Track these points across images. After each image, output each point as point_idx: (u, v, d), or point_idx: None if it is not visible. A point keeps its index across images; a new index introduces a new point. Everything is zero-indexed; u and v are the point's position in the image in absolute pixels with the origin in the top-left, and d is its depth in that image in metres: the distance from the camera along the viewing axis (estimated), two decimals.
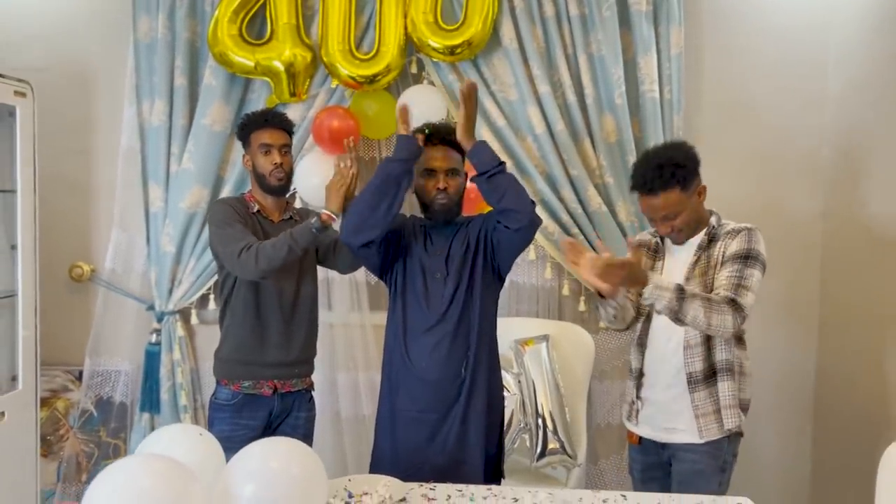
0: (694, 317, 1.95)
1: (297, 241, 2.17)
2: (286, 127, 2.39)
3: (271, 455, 1.53)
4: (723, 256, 2.09)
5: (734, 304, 1.98)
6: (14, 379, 2.75)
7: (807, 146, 3.13)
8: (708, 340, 2.11)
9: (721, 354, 2.12)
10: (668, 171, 2.00)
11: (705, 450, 2.12)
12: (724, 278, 2.05)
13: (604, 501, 1.80)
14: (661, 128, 2.98)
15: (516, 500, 1.80)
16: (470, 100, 2.04)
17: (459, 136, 2.07)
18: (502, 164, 2.03)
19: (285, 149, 2.35)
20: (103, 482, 1.35)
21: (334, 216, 2.20)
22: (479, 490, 1.85)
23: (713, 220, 2.16)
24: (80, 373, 3.25)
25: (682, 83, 3.01)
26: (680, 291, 1.95)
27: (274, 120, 2.36)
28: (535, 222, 2.04)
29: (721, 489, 2.13)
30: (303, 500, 1.49)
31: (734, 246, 2.08)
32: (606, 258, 1.93)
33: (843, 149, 3.03)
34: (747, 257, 2.06)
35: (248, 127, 2.36)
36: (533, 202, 2.04)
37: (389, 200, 2.04)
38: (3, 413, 2.64)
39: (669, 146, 2.11)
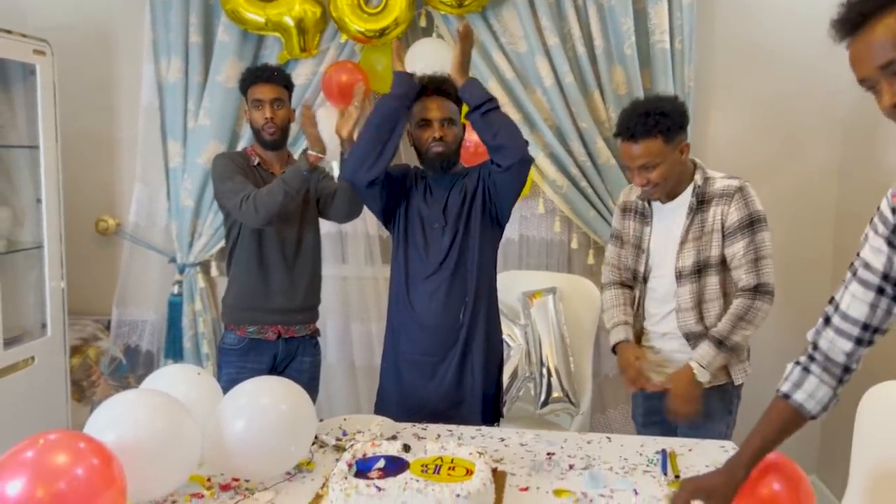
0: (744, 338, 2.05)
1: (289, 182, 2.23)
2: (279, 81, 2.39)
3: (261, 392, 1.62)
4: (723, 226, 2.08)
5: (759, 290, 2.04)
6: (43, 326, 2.90)
7: (824, 97, 3.04)
8: (699, 305, 2.13)
9: (712, 319, 2.12)
10: (652, 119, 1.99)
11: (713, 393, 2.15)
12: (740, 256, 2.06)
13: (588, 442, 1.86)
14: (672, 79, 2.94)
15: (503, 440, 1.87)
16: (466, 39, 2.10)
17: (453, 71, 2.12)
18: (494, 99, 2.09)
19: (278, 103, 2.37)
20: (103, 413, 1.46)
21: (320, 155, 2.27)
22: (469, 430, 1.93)
23: (698, 176, 2.12)
24: (109, 322, 3.39)
25: (694, 33, 2.95)
26: (720, 346, 2.02)
27: (264, 75, 2.37)
28: (527, 159, 2.09)
29: (729, 430, 2.18)
30: (290, 434, 1.58)
31: (734, 214, 2.07)
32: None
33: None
34: (751, 223, 2.06)
35: (244, 83, 2.40)
36: (526, 141, 2.09)
37: (387, 136, 2.11)
38: (33, 357, 2.80)
39: (660, 97, 2.10)
